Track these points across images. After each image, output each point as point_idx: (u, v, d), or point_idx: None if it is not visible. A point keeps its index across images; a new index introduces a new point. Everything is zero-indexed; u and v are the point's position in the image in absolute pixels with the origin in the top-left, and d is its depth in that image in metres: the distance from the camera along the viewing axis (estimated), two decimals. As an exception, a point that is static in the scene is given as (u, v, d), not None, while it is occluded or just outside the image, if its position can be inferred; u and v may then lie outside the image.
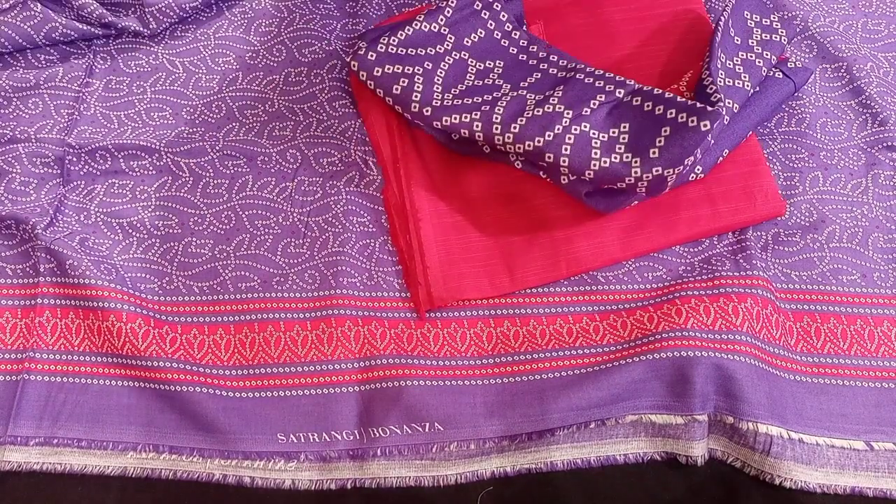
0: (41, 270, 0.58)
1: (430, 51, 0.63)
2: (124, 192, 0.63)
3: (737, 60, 0.61)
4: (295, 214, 0.63)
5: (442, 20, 0.64)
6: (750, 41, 0.62)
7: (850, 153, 0.65)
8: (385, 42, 0.63)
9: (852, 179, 0.64)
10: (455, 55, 0.63)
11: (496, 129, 0.58)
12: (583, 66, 0.62)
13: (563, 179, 0.59)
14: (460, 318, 0.59)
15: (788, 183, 0.64)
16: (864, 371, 0.57)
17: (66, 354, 0.57)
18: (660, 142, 0.55)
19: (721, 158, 0.60)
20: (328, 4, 0.72)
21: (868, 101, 0.66)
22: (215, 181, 0.64)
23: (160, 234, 0.62)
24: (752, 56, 0.61)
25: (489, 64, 0.64)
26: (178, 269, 0.61)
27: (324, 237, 0.62)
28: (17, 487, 0.54)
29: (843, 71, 0.68)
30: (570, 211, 0.61)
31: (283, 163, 0.65)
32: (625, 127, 0.57)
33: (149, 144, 0.64)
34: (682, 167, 0.55)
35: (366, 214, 0.63)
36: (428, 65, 0.62)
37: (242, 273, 0.60)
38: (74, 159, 0.64)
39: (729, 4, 0.62)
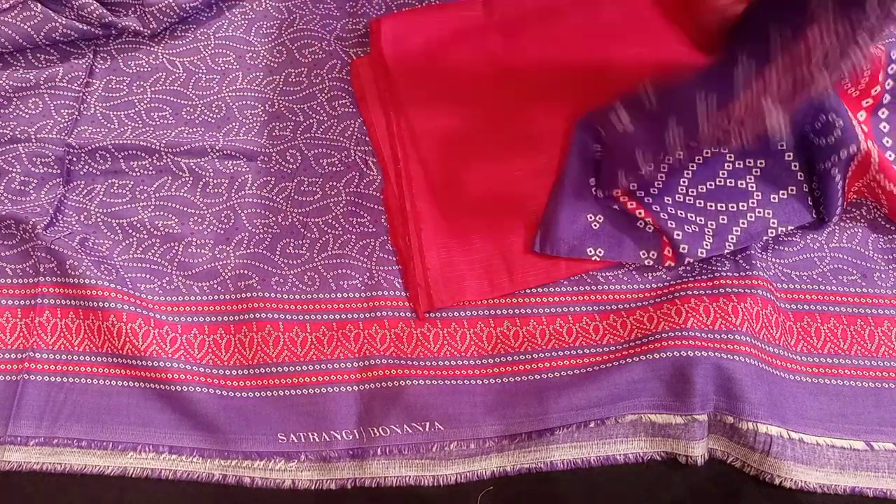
0: (41, 270, 0.58)
1: None
2: (124, 192, 0.63)
3: None
4: (294, 215, 0.63)
5: None
6: None
7: (849, 153, 0.64)
8: None
9: (852, 179, 0.64)
10: None
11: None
12: None
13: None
14: (460, 318, 0.59)
15: (788, 183, 0.64)
16: (864, 371, 0.57)
17: (66, 354, 0.57)
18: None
19: None
20: (328, 4, 0.72)
21: (868, 101, 0.66)
22: (215, 181, 0.64)
23: (160, 234, 0.62)
24: None
25: None
26: (178, 269, 0.61)
27: (324, 239, 0.62)
28: (17, 487, 0.54)
29: (842, 71, 0.67)
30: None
31: (283, 163, 0.65)
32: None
33: (149, 144, 0.64)
34: None
35: (366, 215, 0.63)
36: None
37: (242, 272, 0.60)
38: (75, 159, 0.64)
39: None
